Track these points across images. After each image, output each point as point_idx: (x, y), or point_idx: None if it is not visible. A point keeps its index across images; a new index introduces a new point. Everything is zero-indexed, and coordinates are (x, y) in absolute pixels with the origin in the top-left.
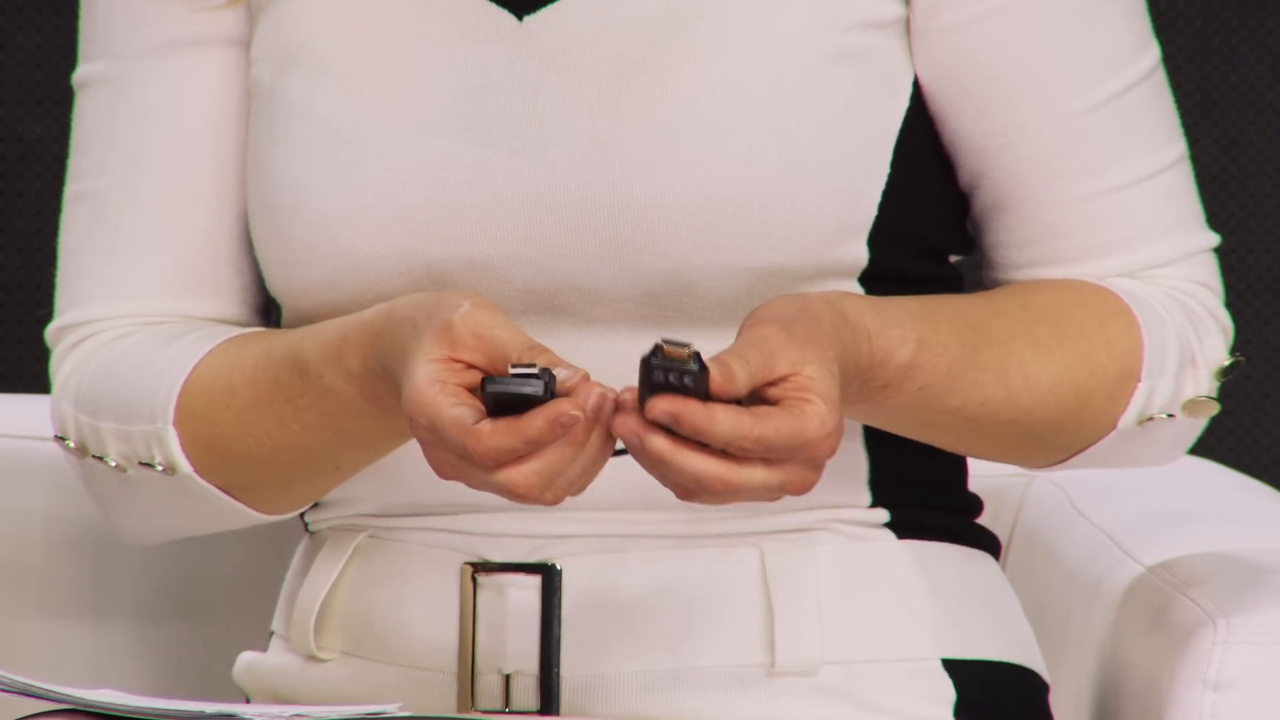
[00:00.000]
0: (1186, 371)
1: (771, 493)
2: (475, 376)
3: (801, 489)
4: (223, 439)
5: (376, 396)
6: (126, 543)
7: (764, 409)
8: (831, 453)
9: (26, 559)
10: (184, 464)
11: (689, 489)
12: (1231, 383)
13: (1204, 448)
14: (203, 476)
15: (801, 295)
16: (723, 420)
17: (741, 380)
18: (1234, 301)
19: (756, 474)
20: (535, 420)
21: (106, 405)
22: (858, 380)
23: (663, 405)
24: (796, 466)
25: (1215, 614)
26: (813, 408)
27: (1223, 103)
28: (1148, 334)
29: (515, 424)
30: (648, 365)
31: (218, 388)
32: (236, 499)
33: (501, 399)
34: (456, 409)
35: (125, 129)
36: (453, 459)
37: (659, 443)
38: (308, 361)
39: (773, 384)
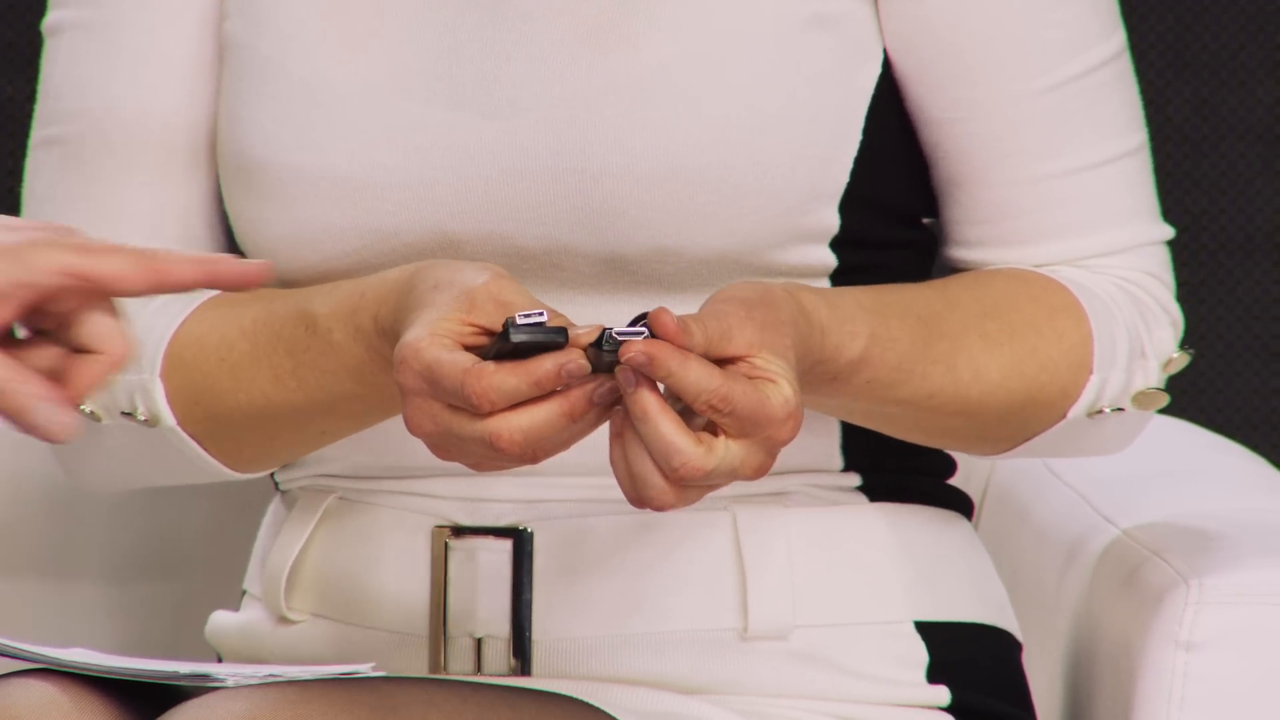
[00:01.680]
0: (1136, 363)
1: (732, 474)
2: (483, 341)
3: (757, 473)
4: (212, 391)
5: (382, 356)
6: (82, 490)
7: (734, 372)
8: (790, 435)
9: None
10: (168, 416)
11: (648, 486)
12: (1204, 342)
13: (1177, 407)
14: (184, 429)
15: (762, 283)
16: (695, 367)
17: (696, 336)
18: (1206, 261)
19: (720, 454)
20: (544, 363)
21: None
22: (808, 373)
23: (639, 347)
24: (755, 447)
25: (1187, 574)
26: (777, 389)
27: (1194, 62)
28: (1097, 326)
29: (522, 364)
30: (598, 353)
31: (211, 340)
32: (213, 455)
33: (521, 348)
34: (456, 352)
35: (101, 77)
36: (436, 409)
37: (647, 397)
38: (317, 316)
39: (730, 364)
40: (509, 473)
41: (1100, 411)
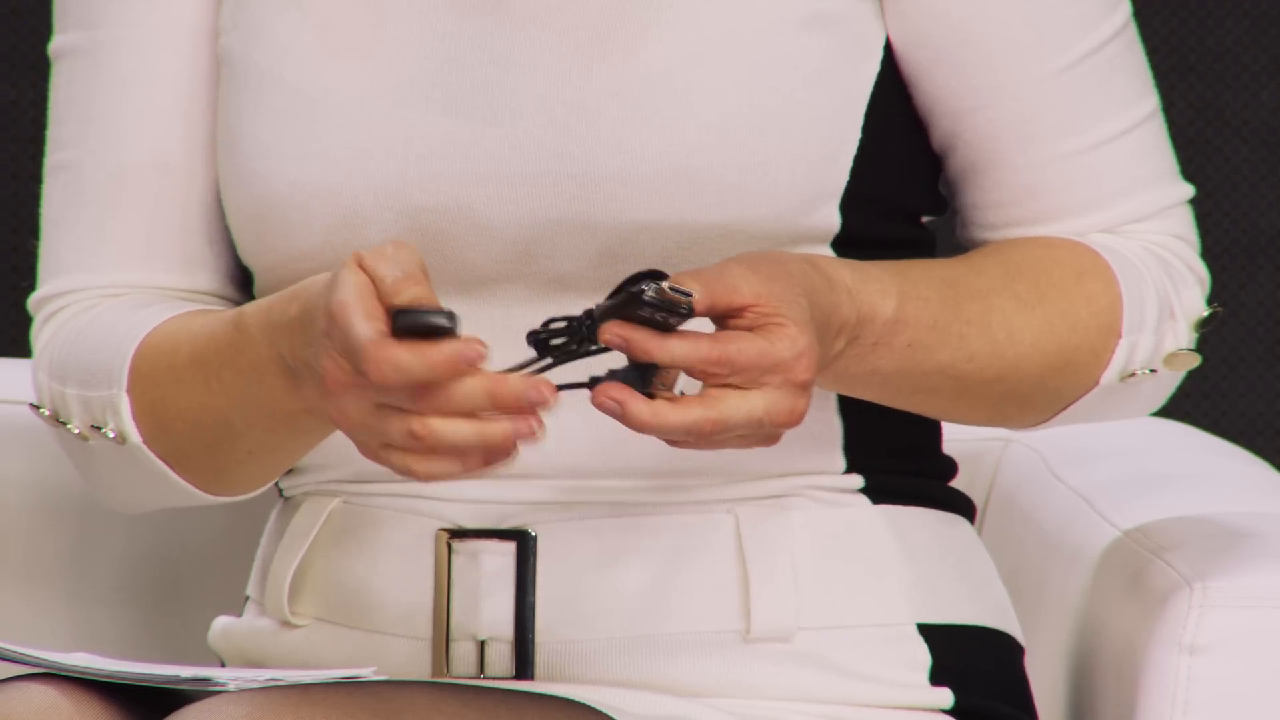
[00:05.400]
0: (1166, 325)
1: (760, 425)
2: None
3: (791, 417)
4: (161, 400)
5: (278, 349)
6: (107, 509)
7: (726, 333)
8: (810, 373)
9: (6, 525)
10: (133, 432)
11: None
12: (1207, 346)
13: (1179, 411)
14: (148, 446)
15: (769, 250)
16: (675, 342)
17: (694, 290)
18: (1208, 265)
19: (733, 403)
20: (443, 349)
21: (72, 372)
22: (845, 336)
23: (613, 329)
24: (775, 392)
25: (1191, 577)
26: (782, 330)
27: (1198, 66)
28: (1126, 289)
29: (420, 346)
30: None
31: (164, 349)
32: (177, 473)
33: (413, 328)
34: (366, 321)
35: (98, 100)
36: (349, 370)
37: (641, 410)
38: (244, 314)
39: (737, 315)
40: (511, 476)
41: (1133, 374)
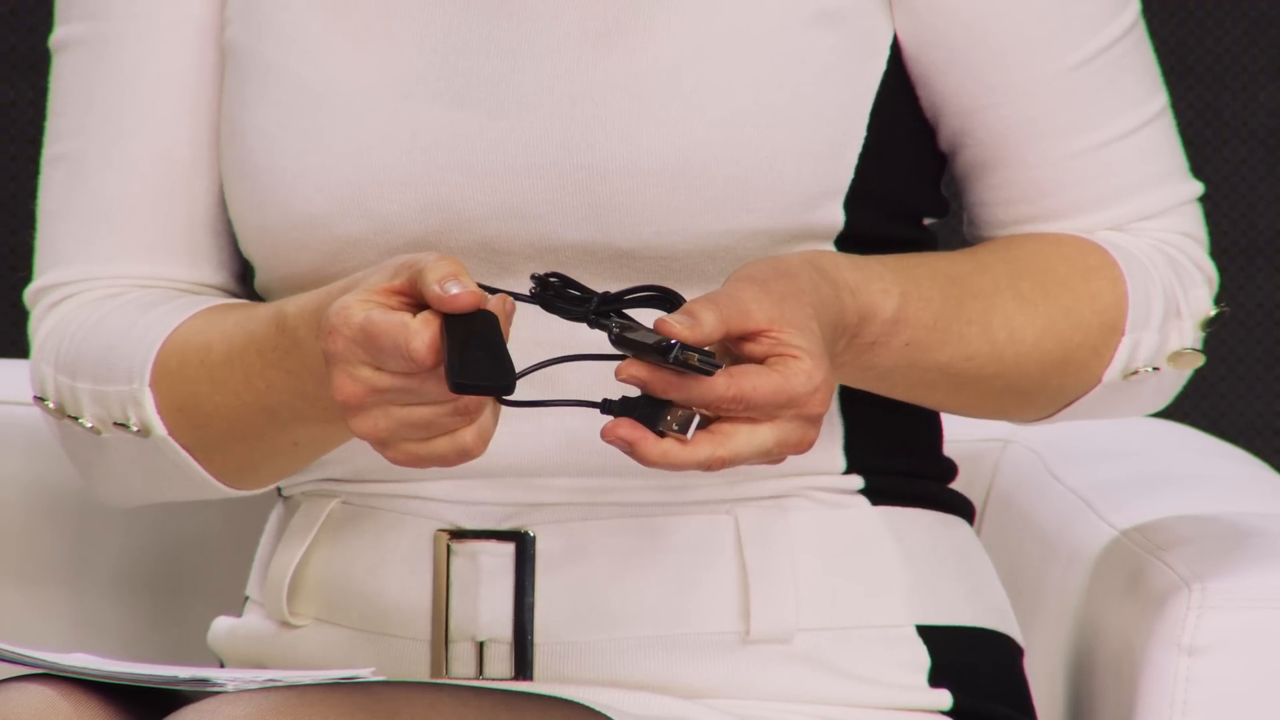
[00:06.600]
0: (1171, 324)
1: (769, 455)
2: (409, 311)
3: (801, 447)
4: (193, 397)
5: None
6: (103, 504)
7: (741, 367)
8: (824, 406)
9: (5, 524)
10: (158, 425)
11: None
12: (1206, 347)
13: (1179, 412)
14: (175, 439)
15: (777, 256)
16: (692, 386)
17: (709, 322)
18: None
19: (744, 439)
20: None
21: (84, 366)
22: (845, 337)
23: (631, 370)
24: (789, 424)
25: (1190, 578)
26: (798, 364)
27: (1197, 67)
28: (1133, 287)
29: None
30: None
31: (194, 345)
32: (203, 466)
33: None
34: (390, 313)
35: (102, 91)
36: (368, 374)
37: (650, 451)
38: (288, 315)
39: (751, 339)
40: (510, 477)
41: (1135, 372)
